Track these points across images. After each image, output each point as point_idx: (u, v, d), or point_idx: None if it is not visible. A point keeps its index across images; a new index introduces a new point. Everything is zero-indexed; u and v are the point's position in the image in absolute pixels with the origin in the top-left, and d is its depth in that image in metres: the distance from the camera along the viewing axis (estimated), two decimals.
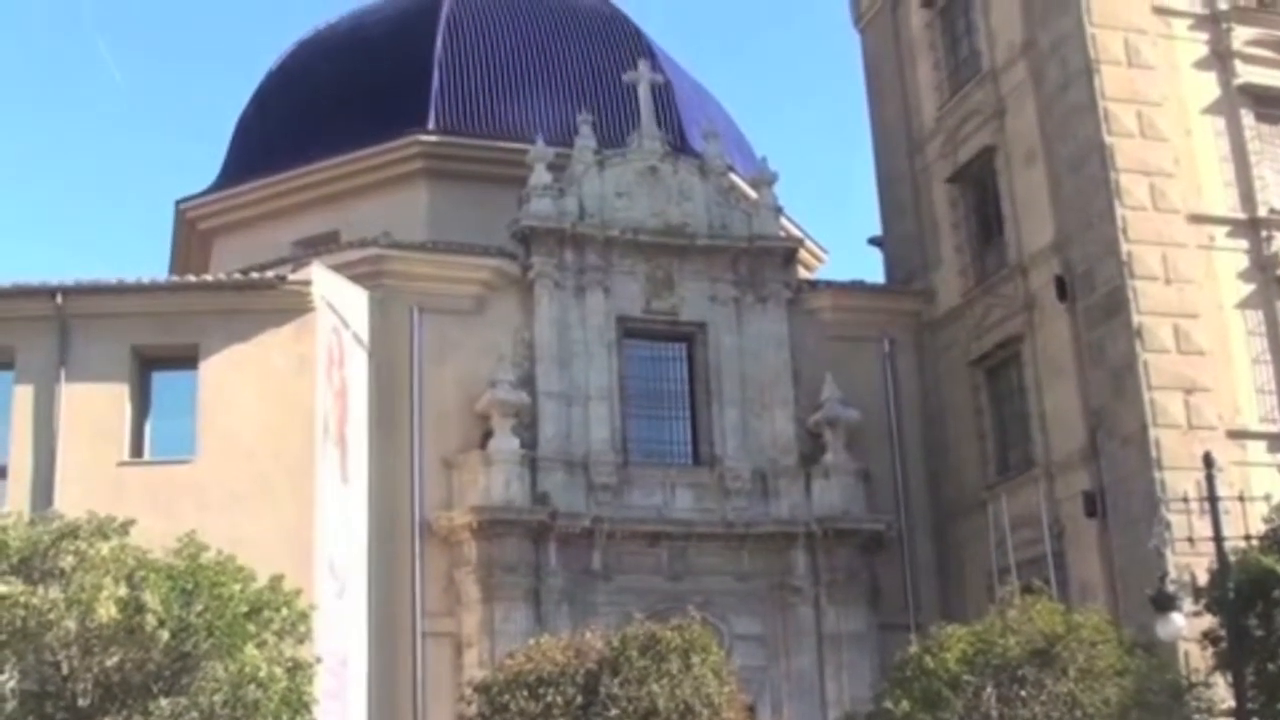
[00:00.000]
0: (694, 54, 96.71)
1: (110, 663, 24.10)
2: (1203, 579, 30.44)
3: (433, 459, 38.87)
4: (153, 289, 34.64)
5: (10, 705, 24.17)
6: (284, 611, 25.77)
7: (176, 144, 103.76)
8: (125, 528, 25.43)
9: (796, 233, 46.79)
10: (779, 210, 44.31)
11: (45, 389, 32.66)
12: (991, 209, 41.98)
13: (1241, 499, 30.38)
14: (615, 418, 40.74)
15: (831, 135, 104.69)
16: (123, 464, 32.61)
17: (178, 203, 50.12)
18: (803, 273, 46.72)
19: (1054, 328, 38.77)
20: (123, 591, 23.89)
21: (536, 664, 27.71)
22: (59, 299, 33.10)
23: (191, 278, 37.21)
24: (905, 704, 29.08)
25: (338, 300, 35.83)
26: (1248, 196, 38.15)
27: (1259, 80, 39.23)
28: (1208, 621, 29.99)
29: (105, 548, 24.74)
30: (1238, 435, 35.86)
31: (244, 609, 25.00)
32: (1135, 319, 35.96)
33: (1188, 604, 29.31)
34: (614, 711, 26.89)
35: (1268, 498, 31.14)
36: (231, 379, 33.39)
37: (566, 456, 39.79)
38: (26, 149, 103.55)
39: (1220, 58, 39.12)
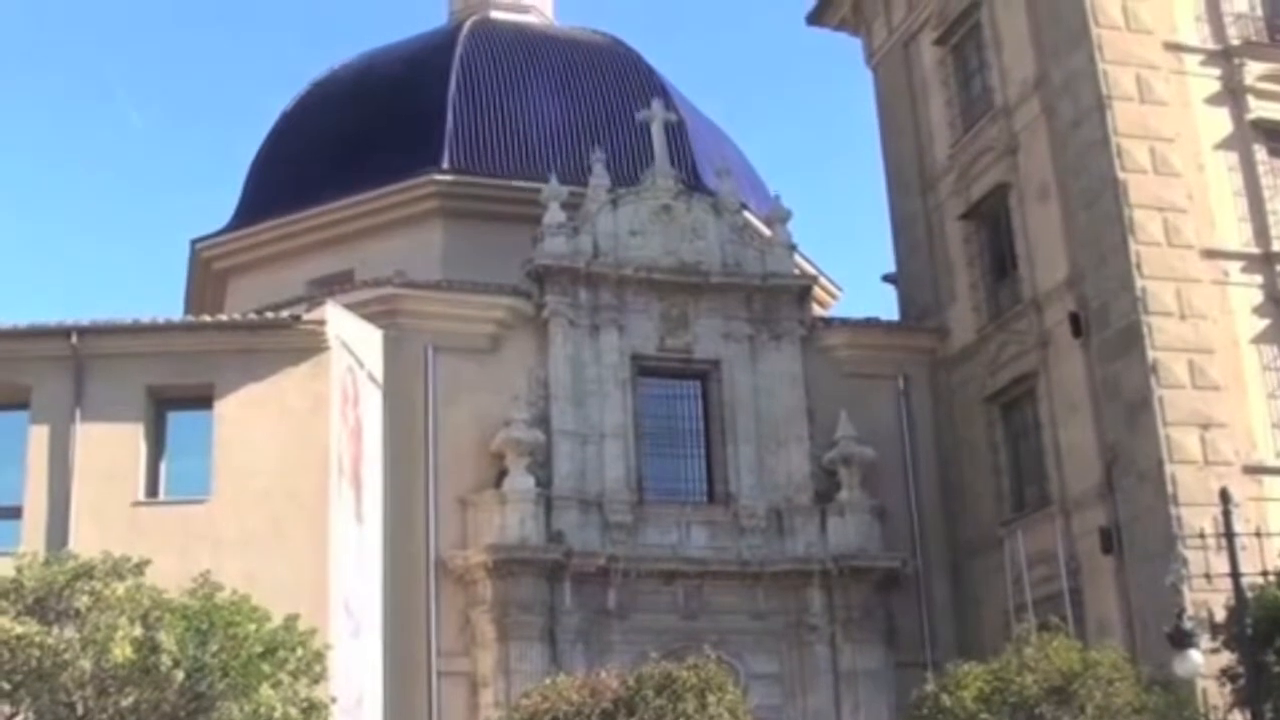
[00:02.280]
0: (707, 92, 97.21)
1: (125, 703, 24.06)
2: (1220, 615, 30.34)
3: (447, 498, 38.86)
4: (168, 329, 34.69)
5: None
6: (299, 651, 25.73)
7: (191, 184, 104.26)
8: (140, 568, 25.46)
9: (810, 270, 46.90)
10: (793, 248, 44.31)
11: (60, 429, 32.67)
12: (1005, 245, 41.97)
13: (1258, 534, 30.39)
14: (630, 456, 40.70)
15: (845, 173, 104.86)
16: (137, 504, 32.57)
17: (193, 242, 50.24)
18: (817, 310, 46.76)
19: (1069, 364, 38.72)
20: (138, 632, 23.89)
21: (552, 704, 27.62)
22: (74, 339, 33.14)
23: (206, 318, 37.28)
24: None
25: (352, 339, 35.87)
26: (1261, 231, 38.10)
27: (1271, 115, 39.17)
28: (1225, 658, 29.90)
29: (120, 588, 24.75)
30: (1254, 470, 35.72)
31: (259, 649, 24.96)
32: (1150, 354, 35.89)
33: (1205, 641, 29.25)
34: None
35: None
36: (246, 419, 33.39)
37: (581, 495, 39.76)
38: (42, 189, 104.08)
39: (1232, 93, 39.10)
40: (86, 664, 23.71)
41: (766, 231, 44.79)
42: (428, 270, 43.42)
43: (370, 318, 38.19)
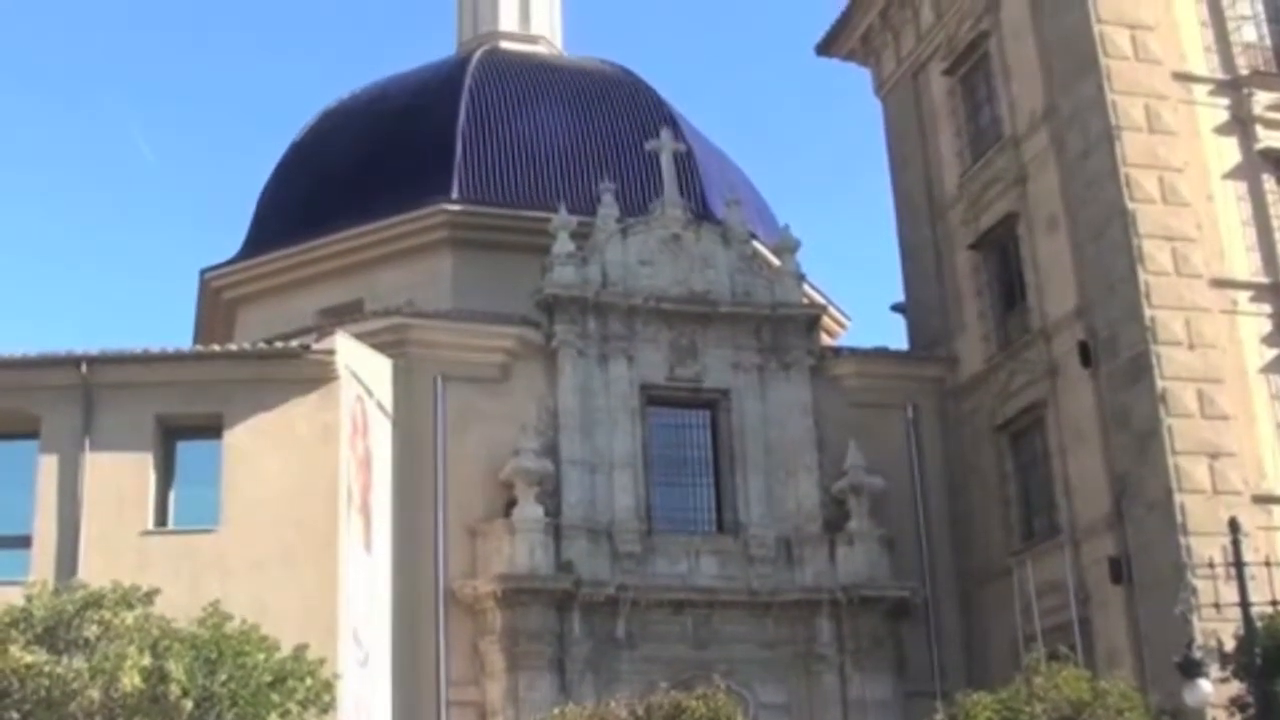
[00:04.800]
0: (716, 122, 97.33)
1: None
2: (1229, 645, 30.31)
3: (456, 527, 38.85)
4: (177, 358, 34.71)
5: None
6: (308, 681, 25.77)
7: (201, 213, 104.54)
8: (149, 597, 25.52)
9: (819, 300, 46.88)
10: (801, 277, 44.33)
11: (70, 458, 32.67)
12: (1014, 275, 42.00)
13: (1267, 564, 30.37)
14: (639, 485, 40.68)
15: (854, 202, 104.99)
16: (147, 533, 32.54)
17: (202, 272, 50.32)
18: (826, 340, 46.79)
19: (1078, 393, 38.70)
20: (147, 661, 23.92)
21: None
22: (84, 368, 33.15)
23: (215, 347, 37.26)
24: None
25: (361, 369, 35.90)
26: (1270, 260, 38.10)
27: None
28: (1235, 688, 29.88)
29: (129, 617, 24.80)
30: (1263, 500, 35.68)
31: (268, 679, 25.02)
32: (1159, 384, 35.89)
33: (1214, 670, 29.22)
34: None
35: None
36: (255, 448, 33.38)
37: (590, 524, 39.74)
38: (52, 219, 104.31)
39: (1241, 123, 39.12)
40: (95, 693, 23.73)
41: (775, 261, 44.78)
42: (437, 300, 43.49)
43: (380, 347, 38.21)
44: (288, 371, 34.30)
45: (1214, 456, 35.53)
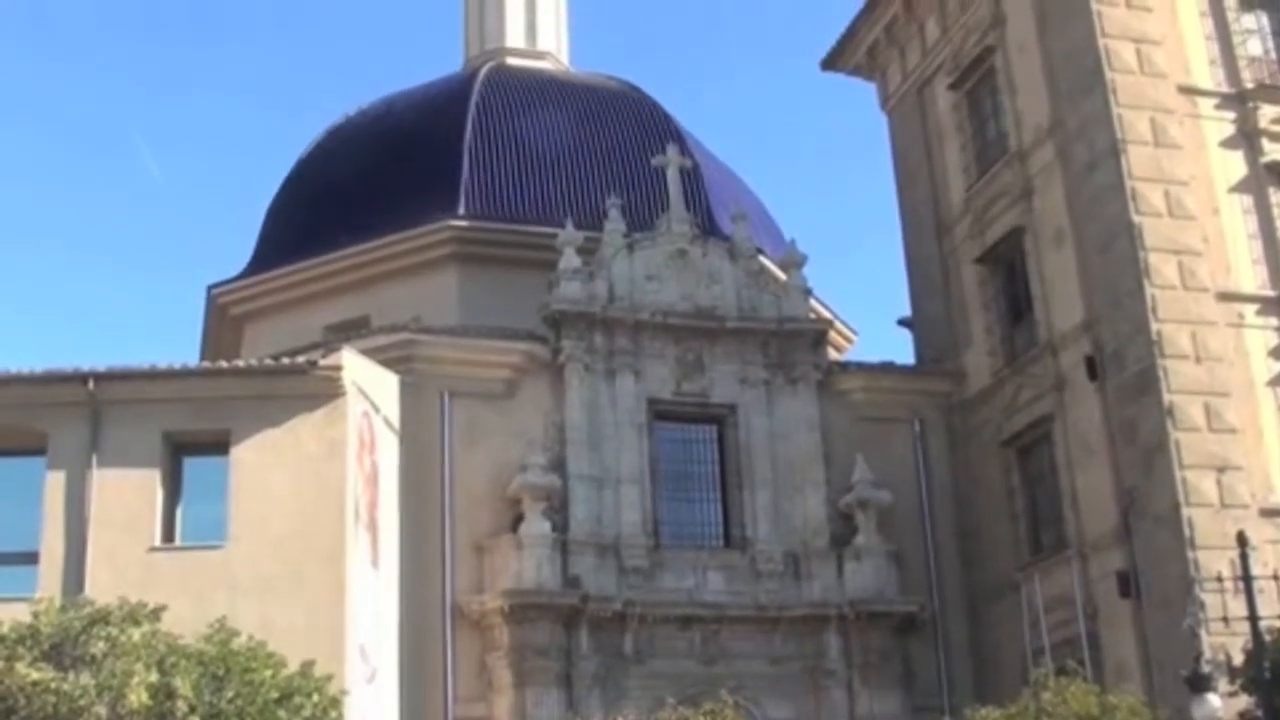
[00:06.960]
0: (722, 137, 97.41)
1: None
2: (1238, 659, 30.30)
3: (463, 543, 38.82)
4: (184, 375, 34.76)
5: None
6: (315, 697, 25.77)
7: (208, 230, 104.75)
8: (156, 614, 25.53)
9: (826, 314, 46.92)
10: (808, 292, 44.34)
11: (77, 475, 32.71)
12: (1021, 289, 41.97)
13: (1276, 578, 30.38)
14: (646, 500, 40.64)
15: (860, 217, 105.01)
16: (154, 549, 32.59)
17: (209, 288, 50.37)
18: (833, 354, 46.75)
19: (1085, 407, 38.66)
20: (154, 678, 23.93)
21: None
22: (91, 385, 33.20)
23: (223, 363, 37.29)
24: None
25: (368, 385, 35.92)
26: (1276, 274, 38.05)
27: None
28: (1243, 702, 29.86)
29: (136, 634, 24.81)
30: (1271, 513, 35.59)
31: (275, 695, 25.01)
32: (1166, 398, 35.85)
33: (1223, 684, 29.22)
34: None
35: None
36: (262, 464, 33.41)
37: (598, 540, 39.70)
38: (59, 235, 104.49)
39: (1247, 136, 39.11)
40: (102, 710, 23.73)
41: (782, 276, 44.78)
42: (444, 316, 43.51)
43: (386, 363, 38.22)
44: (295, 387, 34.34)
45: (1221, 470, 35.48)
